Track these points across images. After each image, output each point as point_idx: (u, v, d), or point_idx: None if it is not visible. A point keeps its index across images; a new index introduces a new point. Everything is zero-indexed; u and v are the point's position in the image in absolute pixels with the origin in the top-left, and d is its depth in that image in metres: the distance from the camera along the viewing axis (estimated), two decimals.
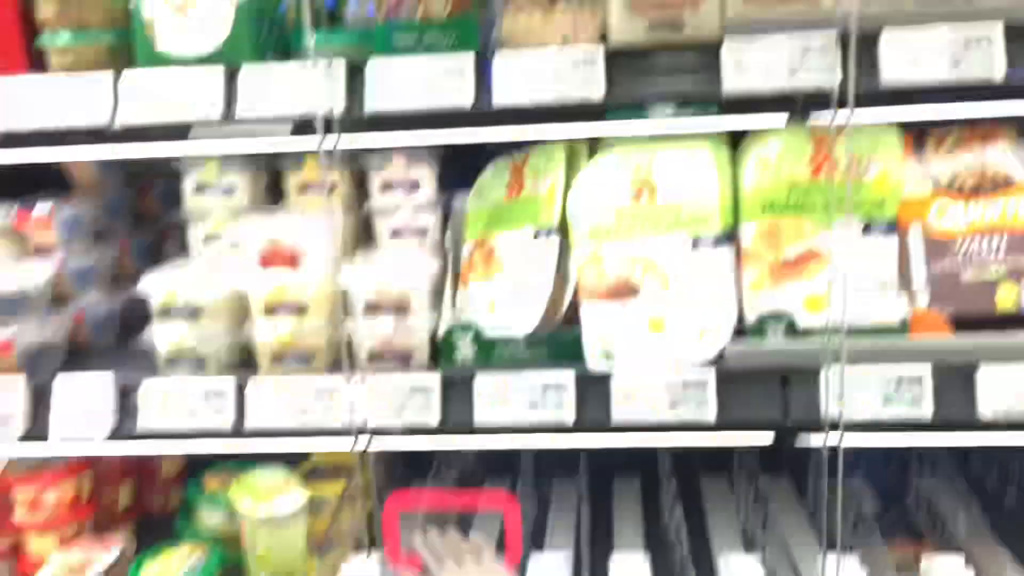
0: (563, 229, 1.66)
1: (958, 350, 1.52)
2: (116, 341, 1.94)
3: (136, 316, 1.80)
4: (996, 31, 1.40)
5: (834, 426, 1.49)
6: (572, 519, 2.11)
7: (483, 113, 1.43)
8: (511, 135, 1.53)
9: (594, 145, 1.71)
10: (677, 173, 1.61)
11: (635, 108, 1.45)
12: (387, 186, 1.79)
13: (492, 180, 1.81)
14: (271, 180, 1.89)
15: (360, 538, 1.81)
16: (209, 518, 2.00)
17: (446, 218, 1.85)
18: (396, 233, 1.80)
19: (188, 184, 1.80)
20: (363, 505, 1.80)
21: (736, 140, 1.68)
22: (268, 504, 1.78)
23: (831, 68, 1.41)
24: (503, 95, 1.42)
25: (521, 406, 1.55)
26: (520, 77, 1.43)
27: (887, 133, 1.61)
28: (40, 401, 1.62)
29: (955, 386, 1.51)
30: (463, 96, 1.43)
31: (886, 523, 2.01)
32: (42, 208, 1.72)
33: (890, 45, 1.41)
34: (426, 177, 1.80)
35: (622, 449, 2.21)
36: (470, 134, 1.50)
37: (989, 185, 1.63)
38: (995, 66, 1.39)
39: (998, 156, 1.63)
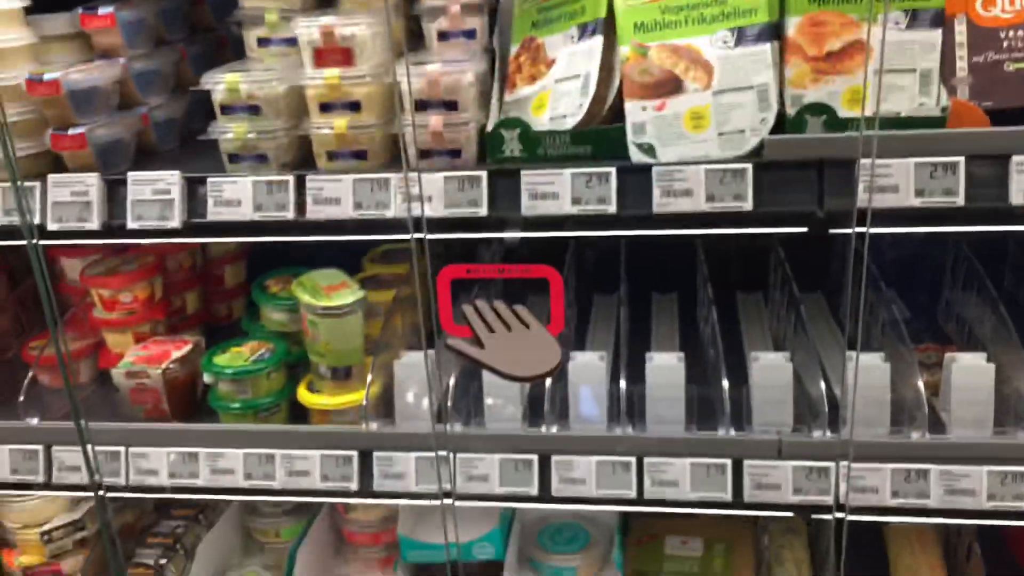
0: (608, 24, 1.69)
1: (994, 140, 1.55)
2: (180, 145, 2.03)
3: (197, 124, 1.88)
4: None
5: (862, 218, 1.55)
6: (612, 328, 2.22)
7: None
8: None
9: None
10: None
11: None
12: None
13: None
14: None
15: (414, 338, 1.94)
16: (272, 316, 2.14)
17: (492, 21, 1.87)
18: (443, 36, 1.83)
19: None
20: (420, 302, 1.91)
21: None
22: (328, 298, 1.90)
23: None
24: None
25: (566, 200, 1.63)
26: None
27: None
28: (114, 195, 1.73)
29: (989, 176, 1.55)
30: None
31: (914, 329, 2.09)
32: (105, 10, 1.77)
33: None
34: None
35: (661, 264, 2.31)
36: None
37: None
38: None
39: None
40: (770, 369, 1.83)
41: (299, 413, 2.01)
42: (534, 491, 1.84)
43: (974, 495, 1.69)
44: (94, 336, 2.24)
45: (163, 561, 2.29)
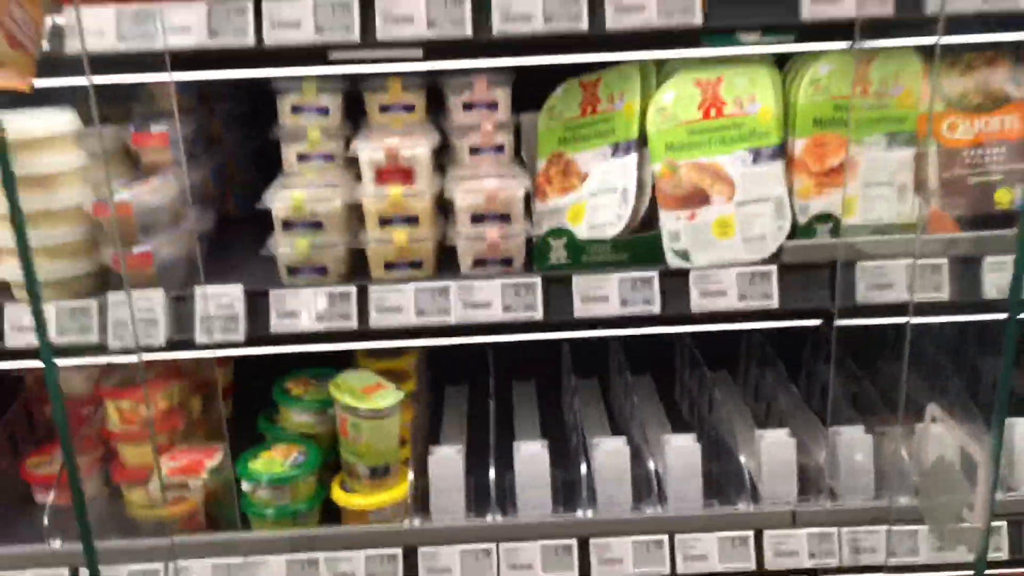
0: (640, 142, 1.89)
1: (968, 242, 1.84)
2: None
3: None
4: None
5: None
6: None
7: (596, 37, 1.63)
8: (617, 57, 1.73)
9: (659, 66, 1.93)
10: (740, 93, 1.85)
11: (725, 35, 1.67)
12: (468, 106, 1.96)
13: (564, 99, 2.00)
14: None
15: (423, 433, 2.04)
16: (296, 419, 2.17)
17: (517, 137, 2.04)
18: (475, 151, 1.98)
19: (284, 105, 1.93)
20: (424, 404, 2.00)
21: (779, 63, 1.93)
22: (369, 400, 1.97)
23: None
24: (615, 21, 1.63)
25: (615, 302, 1.79)
26: (625, 4, 1.63)
27: (912, 59, 1.89)
28: (180, 310, 1.76)
29: (967, 272, 1.83)
30: (581, 22, 1.63)
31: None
32: (158, 128, 1.83)
33: None
34: (502, 98, 1.97)
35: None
36: (583, 57, 1.70)
37: (991, 103, 1.94)
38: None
39: (999, 78, 1.93)
40: (776, 446, 2.03)
41: (328, 513, 2.04)
42: (575, 574, 1.95)
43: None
44: (100, 449, 2.19)
45: None
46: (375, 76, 1.96)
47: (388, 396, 1.99)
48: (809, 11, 1.65)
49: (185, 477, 2.00)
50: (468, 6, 1.64)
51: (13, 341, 1.76)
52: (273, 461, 2.03)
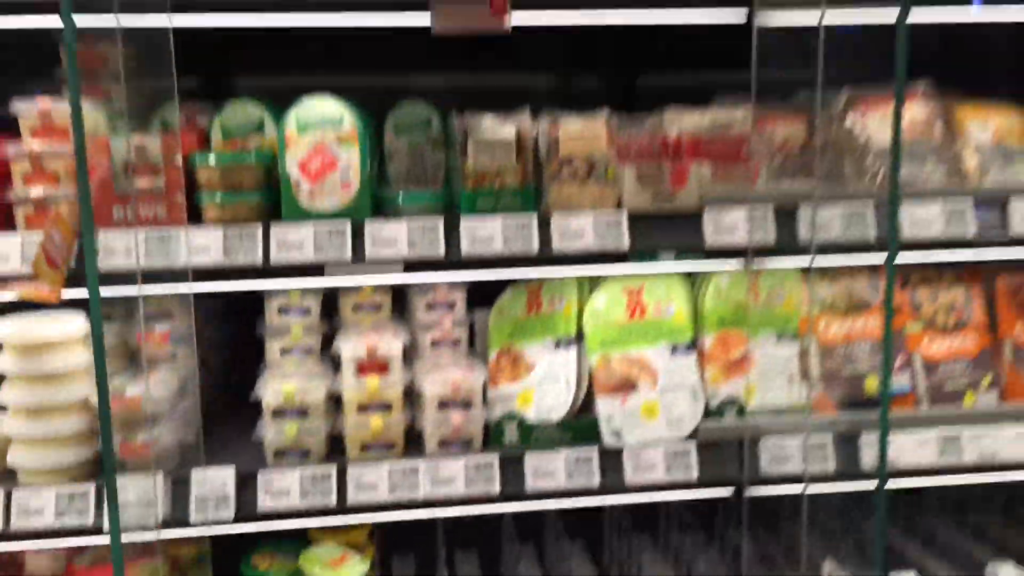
0: (578, 338, 2.25)
1: (846, 423, 2.23)
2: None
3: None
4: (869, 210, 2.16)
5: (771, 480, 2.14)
6: None
7: (545, 257, 2.01)
8: (566, 273, 2.11)
9: (592, 278, 2.32)
10: (659, 298, 2.25)
11: (648, 254, 2.08)
12: (431, 306, 2.29)
13: (512, 300, 2.36)
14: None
15: None
16: None
17: (471, 331, 2.37)
18: (436, 343, 2.29)
19: (271, 306, 2.21)
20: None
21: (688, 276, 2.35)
22: (338, 571, 2.17)
23: (768, 229, 2.11)
24: (560, 244, 2.01)
25: (560, 477, 2.09)
26: (569, 232, 2.03)
27: (792, 274, 2.33)
28: (177, 492, 1.96)
29: (848, 448, 2.21)
30: (532, 244, 2.01)
31: None
32: (162, 327, 2.08)
33: (803, 217, 2.14)
34: (460, 300, 2.32)
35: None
36: (535, 271, 2.07)
37: (855, 307, 2.39)
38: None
39: (859, 287, 2.39)
40: None
41: None
42: None
43: None
44: None
45: None
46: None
47: (355, 567, 2.20)
48: (711, 239, 2.08)
49: None
50: (441, 231, 2.00)
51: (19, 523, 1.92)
52: None
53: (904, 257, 2.17)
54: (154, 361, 2.09)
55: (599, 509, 2.73)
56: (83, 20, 1.69)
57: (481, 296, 2.36)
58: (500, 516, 2.66)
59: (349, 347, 2.09)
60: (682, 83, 2.63)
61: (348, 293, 2.31)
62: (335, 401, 2.13)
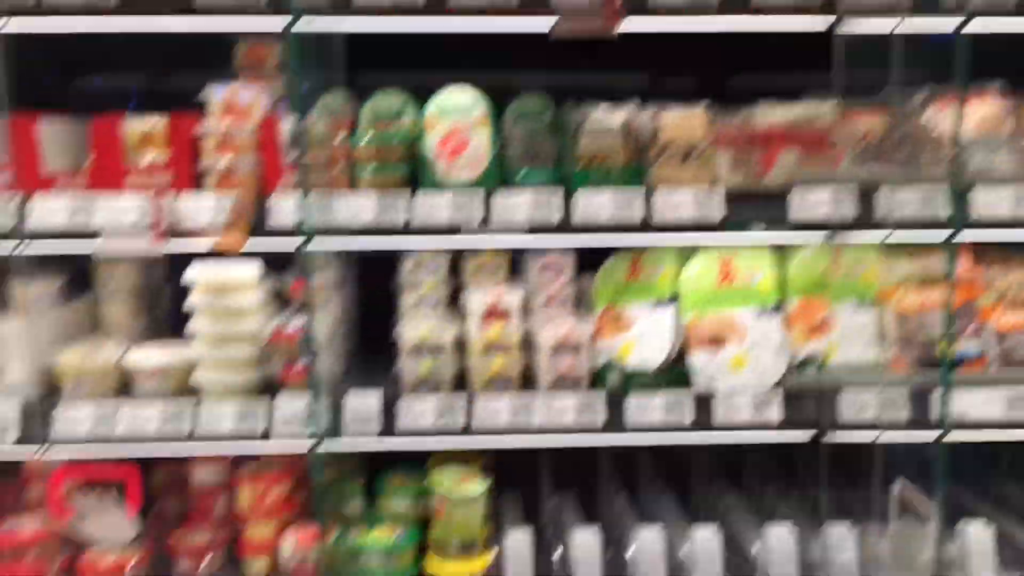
0: (675, 300, 2.55)
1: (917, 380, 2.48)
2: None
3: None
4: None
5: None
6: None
7: (648, 226, 2.32)
8: (666, 241, 2.42)
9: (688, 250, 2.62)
10: (747, 267, 2.53)
11: (739, 226, 2.37)
12: (544, 269, 2.63)
13: (614, 267, 2.68)
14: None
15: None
16: (394, 506, 2.70)
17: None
18: (548, 301, 2.63)
19: (407, 263, 2.59)
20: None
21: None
22: (463, 488, 2.54)
23: (849, 208, 2.37)
24: (661, 216, 2.32)
25: (658, 415, 2.41)
26: (670, 205, 2.33)
27: (872, 249, 2.58)
28: (333, 411, 2.36)
29: (919, 402, 2.46)
30: (637, 215, 2.32)
31: None
32: (320, 277, 2.48)
33: (881, 197, 2.39)
34: (568, 265, 2.65)
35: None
36: (640, 239, 2.38)
37: (929, 279, 2.62)
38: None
39: (933, 262, 2.62)
40: (779, 538, 2.58)
41: None
42: None
43: None
44: (220, 531, 2.70)
45: None
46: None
47: (476, 486, 2.56)
48: (797, 215, 2.36)
49: (308, 549, 2.52)
50: (557, 202, 2.34)
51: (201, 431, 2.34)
52: (382, 536, 2.56)
53: (975, 236, 2.40)
54: (312, 304, 2.48)
55: (687, 457, 3.02)
56: (253, 23, 2.09)
57: (586, 264, 2.68)
58: (597, 461, 2.97)
59: (476, 298, 2.45)
60: (768, 84, 2.88)
61: (472, 256, 2.67)
62: (461, 345, 2.48)
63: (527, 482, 2.95)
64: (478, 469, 2.78)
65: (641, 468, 2.99)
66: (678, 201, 2.34)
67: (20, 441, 2.31)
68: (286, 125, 2.33)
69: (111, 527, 2.33)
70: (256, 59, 2.56)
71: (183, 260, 2.38)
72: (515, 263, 2.70)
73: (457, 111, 2.38)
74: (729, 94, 2.67)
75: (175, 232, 2.25)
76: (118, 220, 2.24)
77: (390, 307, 2.63)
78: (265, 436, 2.35)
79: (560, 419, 2.39)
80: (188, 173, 2.31)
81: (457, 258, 2.67)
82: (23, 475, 2.71)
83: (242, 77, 2.53)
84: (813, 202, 2.37)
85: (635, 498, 3.01)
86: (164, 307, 2.82)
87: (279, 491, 2.67)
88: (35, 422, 2.32)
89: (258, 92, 2.37)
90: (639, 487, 3.02)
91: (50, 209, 2.25)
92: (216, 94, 2.37)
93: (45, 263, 2.59)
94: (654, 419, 2.40)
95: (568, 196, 2.35)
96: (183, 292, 2.40)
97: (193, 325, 2.40)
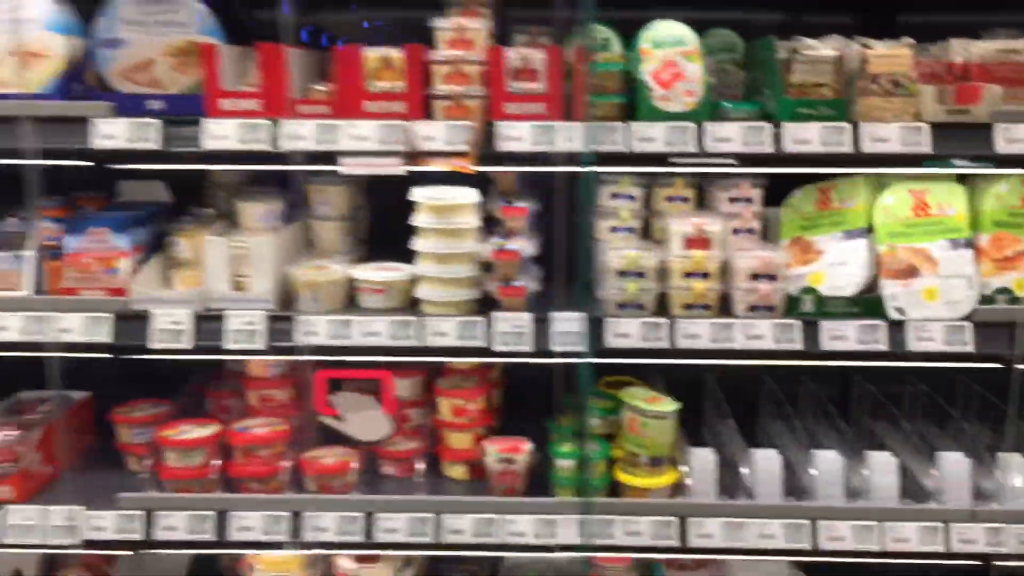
0: (868, 231, 2.64)
1: None
2: None
3: None
4: None
5: None
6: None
7: (855, 158, 2.41)
8: (871, 170, 2.51)
9: (877, 179, 2.70)
10: (940, 200, 2.60)
11: (943, 160, 2.44)
12: (733, 199, 2.74)
13: (802, 198, 2.77)
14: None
15: None
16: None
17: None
18: (736, 231, 2.74)
19: (605, 192, 2.73)
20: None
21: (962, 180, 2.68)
22: (655, 405, 2.70)
23: None
24: (868, 147, 2.41)
25: (852, 341, 2.52)
26: (877, 136, 2.42)
27: None
28: (539, 329, 2.53)
29: None
30: (845, 146, 2.41)
31: None
32: (521, 204, 2.64)
33: None
34: (757, 196, 2.75)
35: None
36: (846, 170, 2.47)
37: None
38: None
39: None
40: (953, 463, 2.69)
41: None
42: (808, 546, 2.61)
43: None
44: (424, 438, 2.92)
45: None
46: (664, 175, 2.77)
47: (668, 404, 2.72)
48: (1002, 148, 2.42)
49: (511, 455, 2.72)
50: (768, 132, 2.44)
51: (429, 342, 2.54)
52: (574, 450, 2.75)
53: None
54: (512, 231, 2.66)
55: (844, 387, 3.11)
56: None
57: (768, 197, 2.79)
58: (759, 387, 3.09)
59: (679, 225, 2.58)
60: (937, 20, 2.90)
61: (662, 186, 2.79)
62: (661, 270, 2.62)
63: (690, 404, 3.09)
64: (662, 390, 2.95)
65: (803, 397, 3.09)
66: (885, 134, 2.42)
67: (266, 348, 2.54)
68: (508, 55, 2.47)
69: (369, 424, 2.56)
70: None
71: (399, 182, 2.55)
72: (701, 193, 2.82)
73: (671, 42, 2.48)
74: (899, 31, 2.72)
75: (411, 154, 2.43)
76: (359, 143, 2.43)
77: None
78: (484, 351, 2.54)
79: (758, 343, 2.52)
80: (420, 99, 2.47)
81: (647, 189, 2.80)
82: (245, 380, 2.98)
83: (454, 10, 2.68)
84: (1018, 136, 2.42)
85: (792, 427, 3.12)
86: (365, 227, 3.03)
87: (477, 404, 2.88)
88: (279, 330, 2.54)
89: (481, 24, 2.51)
90: (802, 414, 3.12)
91: (298, 133, 2.44)
92: (443, 24, 2.52)
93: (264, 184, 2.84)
94: (848, 345, 2.51)
95: (777, 127, 2.45)
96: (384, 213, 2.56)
97: (418, 243, 2.59)
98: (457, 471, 2.89)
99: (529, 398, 2.97)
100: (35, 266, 2.70)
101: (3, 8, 2.51)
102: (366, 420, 2.54)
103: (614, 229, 2.76)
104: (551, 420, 2.93)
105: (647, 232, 2.81)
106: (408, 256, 2.66)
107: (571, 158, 2.49)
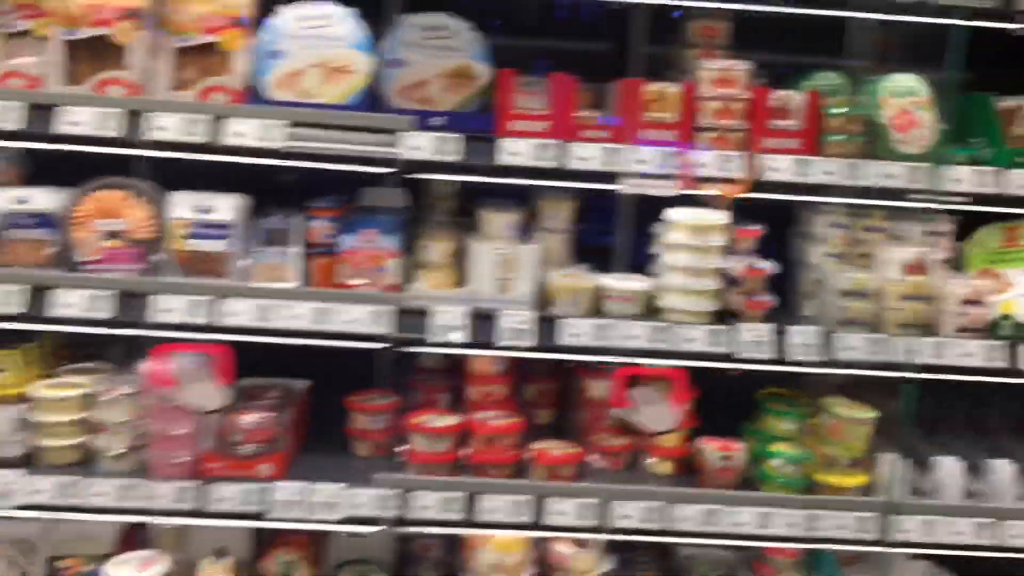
0: None
1: None
2: None
3: None
4: None
5: None
6: None
7: None
8: None
9: None
10: None
11: None
12: (931, 232, 3.08)
13: (987, 235, 3.13)
14: None
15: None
16: (778, 425, 3.18)
17: None
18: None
19: (822, 220, 3.05)
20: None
21: None
22: (856, 412, 3.01)
23: None
24: None
25: None
26: None
27: None
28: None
29: None
30: None
31: None
32: (754, 227, 2.95)
33: None
34: (952, 231, 3.09)
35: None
36: None
37: None
38: None
39: None
40: None
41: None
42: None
43: None
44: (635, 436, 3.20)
45: None
46: (866, 208, 3.10)
47: (868, 411, 3.04)
48: None
49: (729, 452, 3.01)
50: (990, 176, 2.79)
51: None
52: (788, 451, 3.04)
53: None
54: (749, 249, 2.96)
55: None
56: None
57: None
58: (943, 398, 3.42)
59: (898, 253, 2.92)
60: None
61: (862, 217, 3.13)
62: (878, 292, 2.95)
63: None
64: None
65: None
66: None
67: (535, 346, 2.80)
68: (770, 96, 2.78)
69: (659, 416, 2.83)
70: (709, 35, 3.01)
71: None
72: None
73: (906, 92, 2.82)
74: None
75: (686, 178, 2.72)
76: (639, 166, 2.71)
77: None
78: (727, 358, 2.83)
79: (968, 360, 2.86)
80: (689, 129, 2.77)
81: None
82: (468, 375, 3.22)
83: (692, 50, 2.99)
84: None
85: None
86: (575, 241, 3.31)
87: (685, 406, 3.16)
88: (543, 331, 2.81)
89: (744, 66, 2.82)
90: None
91: (582, 155, 2.72)
92: (711, 65, 2.82)
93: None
94: None
95: (996, 172, 2.81)
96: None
97: (667, 258, 2.88)
98: (664, 467, 3.16)
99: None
100: (300, 261, 2.92)
101: (313, 25, 2.74)
102: (657, 413, 2.80)
103: (824, 254, 3.08)
104: (744, 423, 3.23)
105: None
106: (603, 266, 2.97)
107: (812, 189, 2.81)
